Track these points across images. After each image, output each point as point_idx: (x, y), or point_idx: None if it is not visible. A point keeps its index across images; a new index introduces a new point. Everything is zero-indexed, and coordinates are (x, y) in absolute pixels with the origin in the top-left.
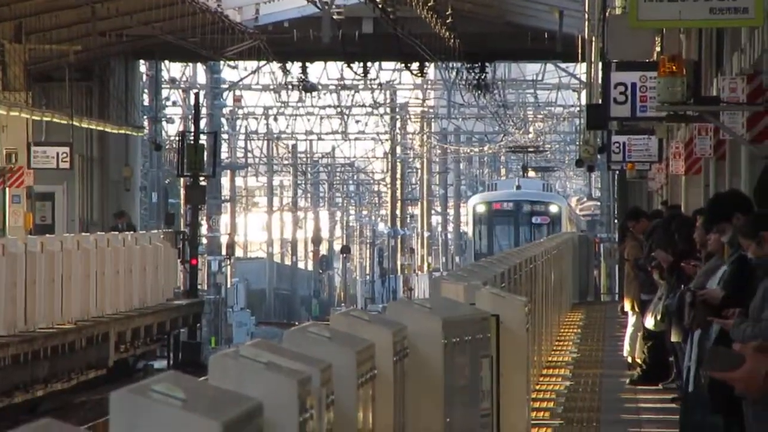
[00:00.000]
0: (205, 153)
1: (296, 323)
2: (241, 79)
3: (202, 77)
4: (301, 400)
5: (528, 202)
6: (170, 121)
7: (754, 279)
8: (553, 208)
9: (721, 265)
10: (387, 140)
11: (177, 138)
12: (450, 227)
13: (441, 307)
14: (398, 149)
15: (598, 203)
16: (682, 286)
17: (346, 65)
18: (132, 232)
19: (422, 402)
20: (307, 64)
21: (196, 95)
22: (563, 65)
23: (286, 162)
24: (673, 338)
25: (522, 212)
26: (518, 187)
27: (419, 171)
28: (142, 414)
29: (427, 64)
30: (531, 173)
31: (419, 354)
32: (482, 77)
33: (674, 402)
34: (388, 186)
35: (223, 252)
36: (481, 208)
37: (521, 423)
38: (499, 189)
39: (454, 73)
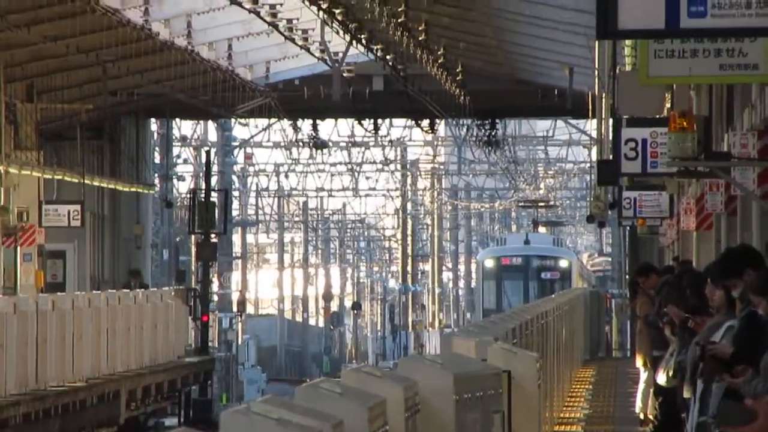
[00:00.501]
0: (216, 210)
1: (307, 380)
2: (252, 137)
3: (213, 135)
4: None
5: (537, 257)
6: (181, 178)
7: (766, 335)
8: (563, 263)
9: (726, 321)
10: (398, 197)
11: (188, 195)
12: (461, 283)
13: (452, 362)
14: (409, 205)
15: (609, 259)
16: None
17: (356, 122)
18: (143, 290)
19: None
20: (318, 121)
21: (207, 153)
22: (574, 122)
23: (296, 219)
24: (686, 394)
25: (531, 267)
26: (527, 242)
27: (430, 227)
28: None
29: (437, 120)
30: (541, 228)
31: (431, 410)
32: (492, 134)
33: None
34: (399, 242)
35: (234, 309)
36: (490, 263)
37: None
38: (508, 243)
39: (465, 130)
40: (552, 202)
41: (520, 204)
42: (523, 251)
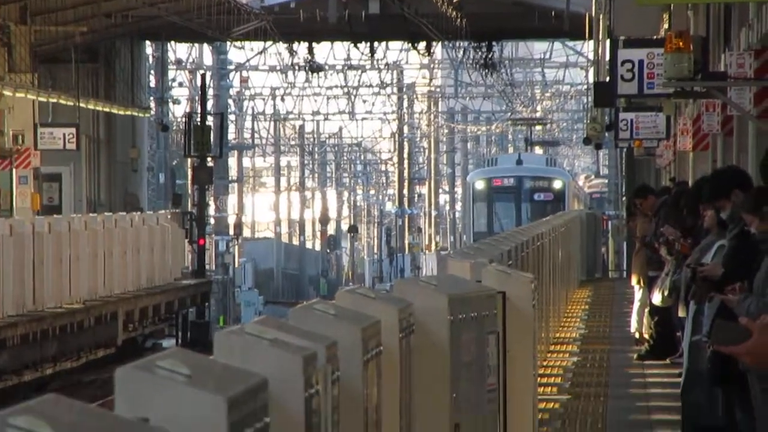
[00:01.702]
0: (212, 134)
1: (304, 302)
2: (248, 60)
3: (208, 58)
4: (307, 377)
5: (530, 178)
6: (177, 102)
7: (758, 254)
8: (557, 184)
9: (716, 241)
10: (394, 120)
11: (184, 119)
12: (458, 206)
13: (447, 284)
14: (405, 129)
15: (606, 181)
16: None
17: (353, 45)
18: (139, 213)
19: (428, 378)
20: (314, 44)
21: (203, 76)
22: (571, 43)
23: (293, 142)
24: (681, 313)
25: (524, 188)
26: (519, 162)
27: (426, 150)
28: (148, 390)
29: (434, 43)
30: (537, 150)
31: (425, 331)
32: (489, 56)
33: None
34: (396, 165)
35: (231, 232)
36: (480, 185)
37: (528, 398)
38: (499, 164)
39: (461, 53)
40: (546, 120)
41: (513, 121)
42: (515, 172)
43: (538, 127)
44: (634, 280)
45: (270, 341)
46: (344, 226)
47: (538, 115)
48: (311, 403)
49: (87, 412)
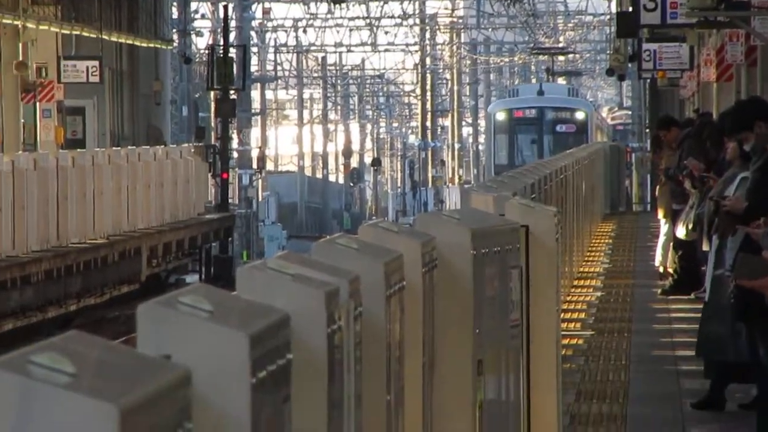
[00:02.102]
0: (235, 66)
1: (327, 236)
2: None
3: None
4: (329, 312)
5: (552, 109)
6: (199, 34)
7: None
8: (580, 115)
9: (739, 173)
10: (416, 52)
11: (206, 51)
12: (481, 139)
13: (470, 218)
14: (428, 60)
15: (630, 112)
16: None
17: None
18: (163, 146)
19: (451, 313)
20: None
21: (225, 8)
22: None
23: (315, 75)
24: (705, 247)
25: (546, 120)
26: (541, 93)
27: (449, 82)
28: (170, 326)
29: None
30: (559, 80)
31: (448, 265)
32: None
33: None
34: (419, 98)
35: (254, 166)
36: (501, 116)
37: (551, 333)
38: (520, 95)
39: None
40: (568, 48)
41: (534, 51)
42: (536, 102)
43: (561, 58)
44: (660, 213)
45: (292, 276)
46: (367, 160)
47: (560, 45)
48: (334, 338)
49: (109, 349)
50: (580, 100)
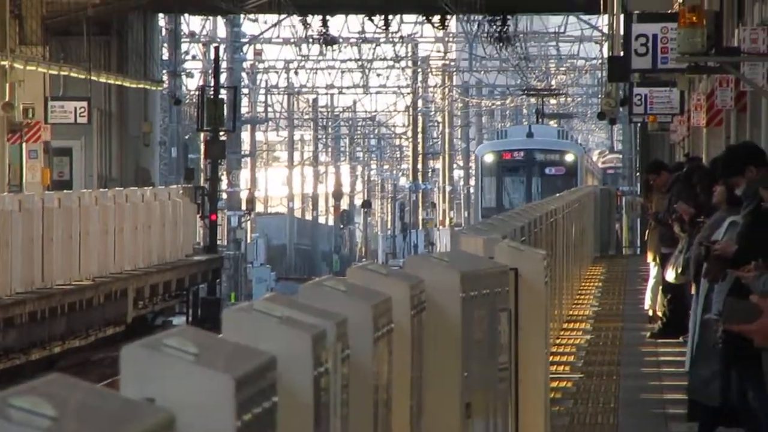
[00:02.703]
0: (225, 107)
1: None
2: (262, 33)
3: (222, 31)
4: (316, 355)
5: (541, 151)
6: (190, 75)
7: None
8: (569, 158)
9: (726, 217)
10: (408, 94)
11: (197, 92)
12: (472, 181)
13: (459, 260)
14: (420, 103)
15: (620, 156)
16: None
17: (367, 18)
18: (151, 188)
19: (440, 356)
20: (328, 16)
21: (216, 49)
22: (585, 17)
23: (306, 116)
24: (694, 291)
25: (535, 162)
26: (530, 134)
27: (441, 125)
28: (154, 368)
29: (448, 16)
30: (550, 123)
31: (437, 308)
32: (504, 30)
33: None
34: (410, 140)
35: (243, 207)
36: (489, 158)
37: (540, 376)
38: (509, 136)
39: (476, 26)
40: (558, 90)
41: (524, 93)
42: (525, 144)
43: (552, 101)
44: (650, 257)
45: (279, 319)
46: (358, 201)
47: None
48: (320, 381)
49: (91, 393)
50: (570, 143)
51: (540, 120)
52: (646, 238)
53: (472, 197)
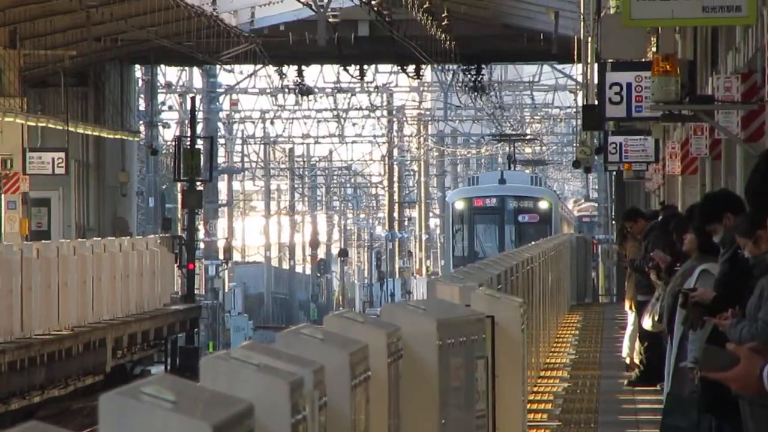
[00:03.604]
0: (202, 157)
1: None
2: (238, 83)
3: (198, 81)
4: (293, 402)
5: (514, 198)
6: (166, 125)
7: (749, 277)
8: (543, 205)
9: (697, 266)
10: (384, 143)
11: (173, 143)
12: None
13: (436, 308)
14: (395, 152)
15: (596, 204)
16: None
17: (342, 68)
18: (128, 238)
19: (417, 403)
20: (303, 67)
21: (192, 99)
22: (560, 66)
23: (283, 166)
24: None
25: (507, 209)
26: (503, 181)
27: (416, 173)
28: (132, 416)
29: (423, 66)
30: (526, 170)
31: (414, 355)
32: (478, 79)
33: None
34: (386, 189)
35: (221, 256)
36: (460, 205)
37: (517, 424)
38: (481, 183)
39: (451, 76)
40: (531, 136)
41: (496, 138)
42: (497, 191)
43: (528, 150)
44: (627, 305)
45: (256, 366)
46: (334, 250)
47: (527, 138)
48: (298, 428)
49: None
50: (544, 189)
51: (512, 166)
52: (625, 286)
53: (443, 246)
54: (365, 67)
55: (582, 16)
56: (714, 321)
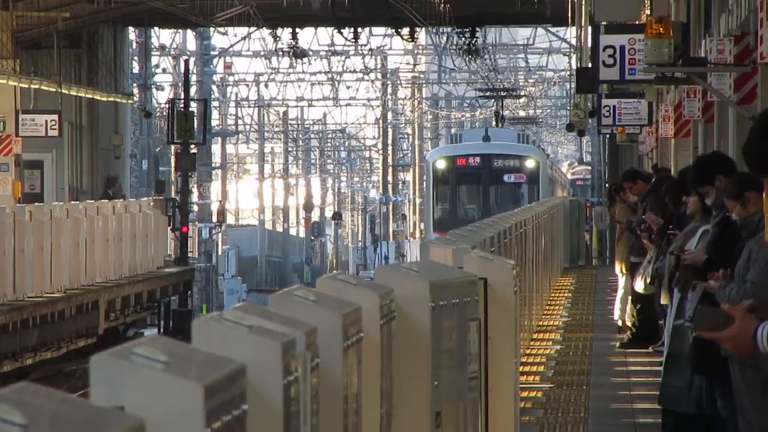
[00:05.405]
0: (196, 120)
1: None
2: (231, 46)
3: (192, 44)
4: (285, 363)
5: (498, 156)
6: (160, 88)
7: (739, 240)
8: (530, 164)
9: (700, 227)
10: (378, 106)
11: (167, 105)
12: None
13: (428, 270)
14: (389, 115)
15: (590, 168)
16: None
17: (336, 31)
18: (122, 200)
19: (409, 365)
20: (297, 30)
21: (186, 62)
22: (554, 29)
23: (277, 129)
24: (663, 301)
25: (491, 169)
26: (487, 138)
27: (410, 137)
28: (123, 377)
29: (417, 29)
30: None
31: (406, 317)
32: (473, 42)
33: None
34: (380, 152)
35: (214, 219)
36: (442, 164)
37: (509, 386)
38: (464, 140)
39: (445, 38)
40: (518, 92)
41: (481, 96)
42: (480, 149)
43: (522, 113)
44: (617, 267)
45: (248, 328)
46: (328, 213)
47: (522, 101)
48: (290, 390)
49: (60, 400)
50: (530, 147)
51: (501, 124)
52: (616, 248)
53: (422, 209)
54: (359, 29)
55: None
56: (702, 285)
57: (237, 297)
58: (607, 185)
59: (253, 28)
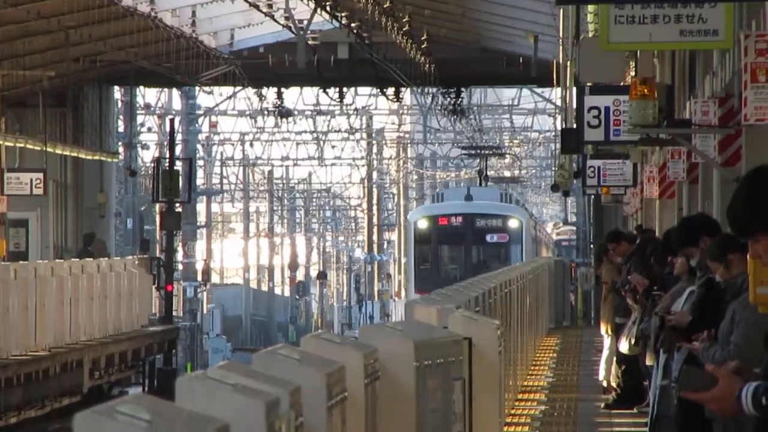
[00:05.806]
0: (181, 179)
1: None
2: (217, 105)
3: (177, 103)
4: (270, 422)
5: (481, 216)
6: (145, 147)
7: (723, 302)
8: (513, 223)
9: (686, 288)
10: (363, 166)
11: (152, 164)
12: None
13: (413, 330)
14: (374, 174)
15: (574, 228)
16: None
17: (321, 90)
18: (107, 259)
19: (394, 425)
20: (283, 89)
21: (171, 121)
22: (539, 90)
23: (262, 188)
24: (648, 362)
25: (474, 228)
26: (469, 198)
27: (395, 196)
28: None
29: (402, 89)
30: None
31: (391, 376)
32: (458, 102)
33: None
34: (365, 211)
35: (199, 278)
36: (423, 224)
37: None
38: (446, 199)
39: (430, 99)
40: (503, 152)
41: (464, 153)
42: (463, 209)
43: (507, 174)
44: (603, 328)
45: (232, 386)
46: (313, 273)
47: (507, 161)
48: None
49: None
50: (514, 207)
51: (485, 183)
52: (601, 309)
53: (405, 270)
54: (345, 89)
55: (561, 40)
56: (686, 346)
57: (222, 356)
58: (592, 246)
59: (238, 88)
